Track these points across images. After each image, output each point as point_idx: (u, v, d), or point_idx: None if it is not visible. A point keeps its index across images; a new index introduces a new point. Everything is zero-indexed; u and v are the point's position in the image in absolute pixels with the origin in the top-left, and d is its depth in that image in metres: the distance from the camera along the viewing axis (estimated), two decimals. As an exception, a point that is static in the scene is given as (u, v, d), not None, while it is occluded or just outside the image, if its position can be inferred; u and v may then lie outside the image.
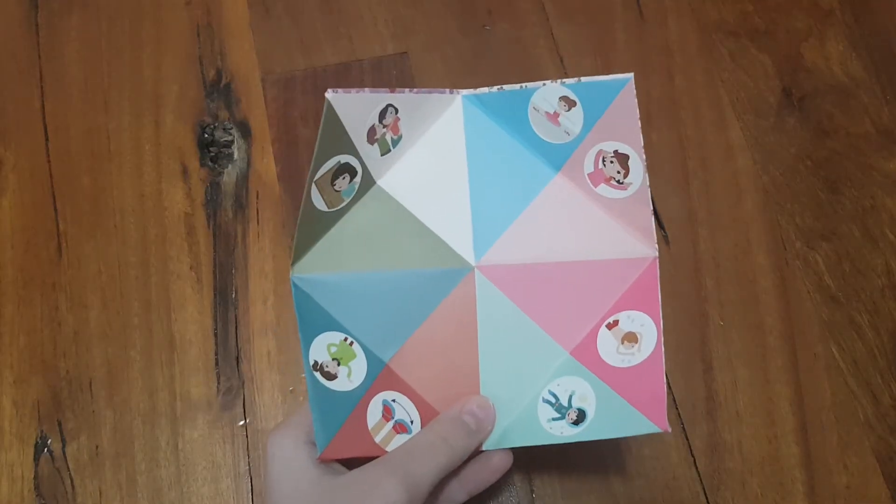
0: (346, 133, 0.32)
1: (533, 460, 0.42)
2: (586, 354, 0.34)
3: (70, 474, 0.42)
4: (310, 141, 0.50)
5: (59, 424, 0.43)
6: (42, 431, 0.43)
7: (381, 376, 0.34)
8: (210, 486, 0.42)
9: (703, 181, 0.49)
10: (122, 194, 0.48)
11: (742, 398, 0.44)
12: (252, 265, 0.46)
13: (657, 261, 0.34)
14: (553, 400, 0.34)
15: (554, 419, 0.34)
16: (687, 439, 0.43)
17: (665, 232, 0.48)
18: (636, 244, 0.34)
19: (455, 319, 0.35)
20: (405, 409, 0.34)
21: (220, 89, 0.51)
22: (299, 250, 0.33)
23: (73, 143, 0.49)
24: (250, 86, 0.51)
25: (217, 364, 0.45)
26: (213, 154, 0.49)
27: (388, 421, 0.33)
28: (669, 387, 0.44)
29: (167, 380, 0.44)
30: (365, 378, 0.33)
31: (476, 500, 0.41)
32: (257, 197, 0.48)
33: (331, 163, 0.32)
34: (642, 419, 0.34)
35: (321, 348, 0.33)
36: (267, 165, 0.49)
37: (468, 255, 0.35)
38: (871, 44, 0.53)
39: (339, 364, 0.33)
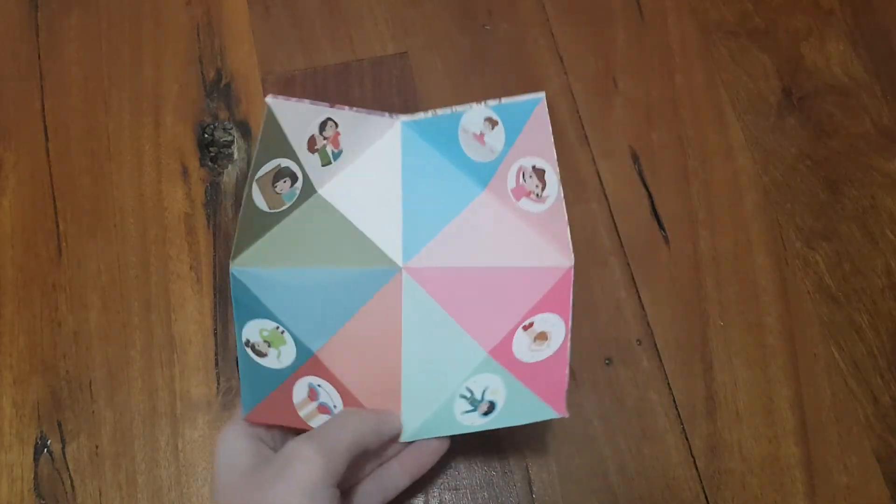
0: (286, 139, 0.35)
1: (533, 460, 0.42)
2: (502, 353, 0.36)
3: (70, 475, 0.42)
4: (310, 141, 0.50)
5: (59, 425, 0.43)
6: (42, 432, 0.43)
7: (308, 363, 0.36)
8: (210, 487, 0.42)
9: (703, 181, 0.49)
10: (122, 194, 0.48)
11: (742, 398, 0.44)
12: (252, 265, 0.47)
13: (572, 270, 0.36)
14: (468, 395, 0.36)
15: (467, 412, 0.36)
16: (687, 439, 0.43)
17: (665, 232, 0.48)
18: (553, 254, 0.37)
19: (382, 316, 0.37)
20: (328, 395, 0.36)
21: (220, 89, 0.51)
22: (240, 245, 0.35)
23: (73, 143, 0.49)
24: (250, 86, 0.51)
25: (217, 364, 0.44)
26: (213, 154, 0.49)
27: (312, 401, 0.35)
28: (669, 387, 0.44)
29: (167, 380, 0.44)
30: (293, 362, 0.35)
31: (475, 501, 0.41)
32: (257, 197, 0.48)
33: (271, 164, 0.35)
34: (543, 406, 0.35)
35: (254, 331, 0.35)
36: (267, 165, 0.49)
37: (397, 258, 0.38)
38: (871, 44, 0.53)
39: (269, 346, 0.35)
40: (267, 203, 0.35)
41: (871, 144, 0.50)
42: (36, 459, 0.42)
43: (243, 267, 0.35)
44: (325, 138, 0.36)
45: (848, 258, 0.48)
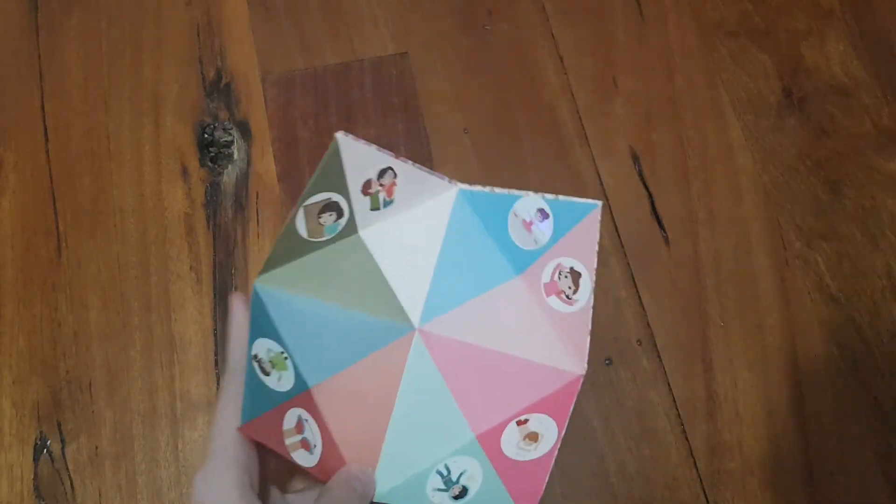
0: (344, 176, 0.35)
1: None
2: (489, 441, 0.36)
3: (70, 475, 0.42)
4: (309, 141, 0.50)
5: (59, 425, 0.43)
6: (42, 432, 0.43)
7: (302, 395, 0.36)
8: None
9: (704, 181, 0.49)
10: (122, 194, 0.48)
11: (742, 398, 0.44)
12: (252, 265, 0.46)
13: (581, 379, 0.36)
14: (445, 473, 0.36)
15: (438, 489, 0.36)
16: (687, 439, 0.43)
17: (665, 232, 0.48)
18: (567, 359, 0.37)
19: (383, 370, 0.37)
20: (312, 432, 0.36)
21: (219, 89, 0.51)
22: (271, 263, 0.35)
23: (73, 143, 0.49)
24: (250, 86, 0.51)
25: (217, 364, 0.44)
26: (212, 154, 0.49)
27: (298, 433, 0.35)
28: (669, 387, 0.44)
29: (167, 380, 0.44)
30: (290, 389, 0.35)
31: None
32: (257, 197, 0.48)
33: (322, 196, 0.35)
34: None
35: (262, 348, 0.35)
36: (267, 166, 0.49)
37: (414, 317, 0.37)
38: (871, 44, 0.53)
39: (272, 367, 0.35)
40: (308, 231, 0.35)
41: (872, 144, 0.50)
42: (36, 460, 0.42)
43: (266, 285, 0.35)
44: (381, 185, 0.36)
45: (848, 258, 0.48)
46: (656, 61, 0.52)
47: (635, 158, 0.50)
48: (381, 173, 0.36)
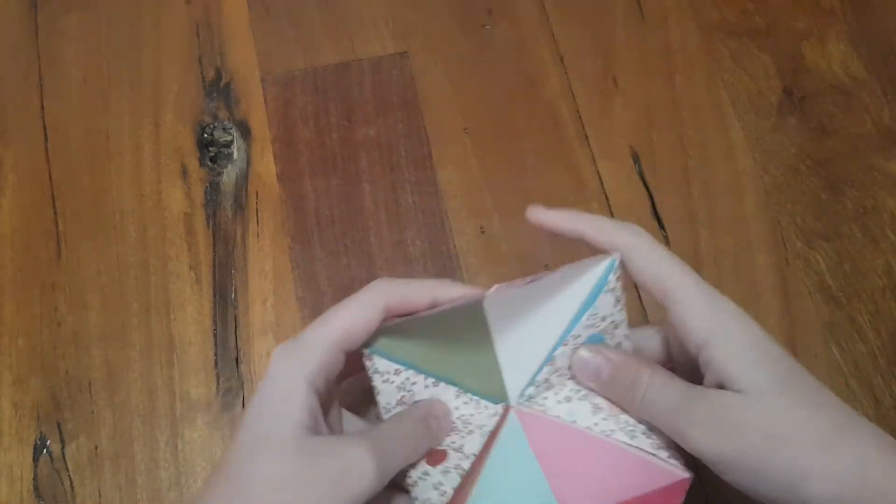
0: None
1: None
2: None
3: (69, 475, 0.42)
4: (309, 141, 0.49)
5: (59, 425, 0.43)
6: (41, 432, 0.43)
7: None
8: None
9: (704, 181, 0.49)
10: (121, 194, 0.48)
11: (743, 399, 0.44)
12: (252, 265, 0.46)
13: (687, 482, 0.34)
14: None
15: None
16: (687, 440, 0.43)
17: (665, 232, 0.48)
18: (673, 458, 0.34)
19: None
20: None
21: (219, 89, 0.51)
22: (396, 333, 0.33)
23: (72, 143, 0.49)
24: (250, 86, 0.51)
25: (216, 365, 0.44)
26: (212, 154, 0.49)
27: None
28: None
29: (166, 380, 0.44)
30: None
31: None
32: (257, 197, 0.48)
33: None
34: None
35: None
36: (266, 165, 0.49)
37: (513, 394, 0.35)
38: (872, 43, 0.53)
39: None
40: None
41: (872, 144, 0.50)
42: (35, 460, 0.42)
43: (375, 349, 0.34)
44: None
45: (849, 258, 0.47)
46: (657, 61, 0.52)
47: (635, 158, 0.50)
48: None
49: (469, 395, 0.35)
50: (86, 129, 0.49)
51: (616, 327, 0.35)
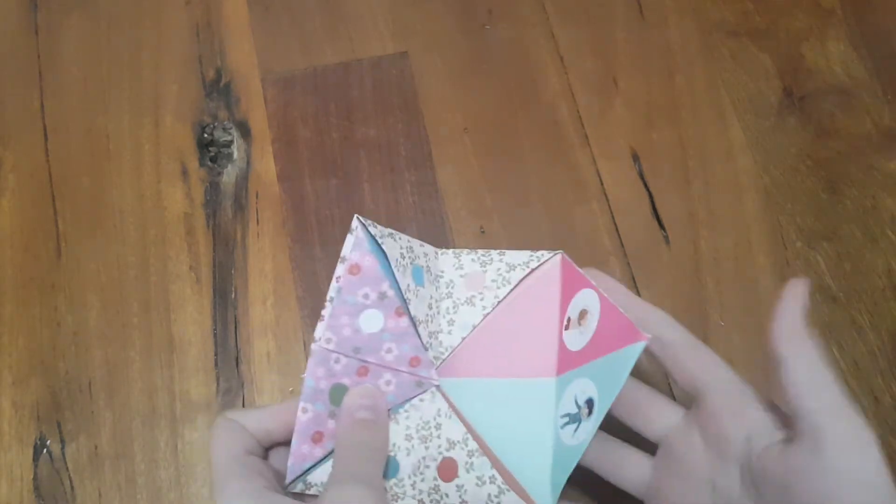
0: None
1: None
2: (566, 362, 0.34)
3: (69, 475, 0.42)
4: (309, 141, 0.49)
5: (59, 425, 0.43)
6: (41, 432, 0.43)
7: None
8: (210, 488, 0.42)
9: (704, 181, 0.49)
10: (121, 194, 0.48)
11: (743, 399, 0.44)
12: (252, 265, 0.46)
13: (562, 256, 0.35)
14: (566, 419, 0.34)
15: (575, 430, 0.34)
16: (687, 440, 0.43)
17: (665, 232, 0.48)
18: (542, 257, 0.36)
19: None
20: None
21: (219, 89, 0.51)
22: None
23: (72, 144, 0.49)
24: (250, 86, 0.51)
25: (216, 365, 0.44)
26: (212, 154, 0.49)
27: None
28: (670, 387, 0.44)
29: (166, 380, 0.44)
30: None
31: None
32: (257, 197, 0.48)
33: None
34: (628, 351, 0.35)
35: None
36: (266, 165, 0.49)
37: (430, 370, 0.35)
38: (872, 43, 0.53)
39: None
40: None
41: (872, 144, 0.50)
42: (35, 460, 0.42)
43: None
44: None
45: (849, 258, 0.47)
46: (657, 61, 0.52)
47: (635, 158, 0.49)
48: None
49: (402, 407, 0.35)
50: (86, 129, 0.49)
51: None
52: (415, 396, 0.35)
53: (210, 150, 0.49)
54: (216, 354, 0.45)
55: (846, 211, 0.48)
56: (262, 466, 0.33)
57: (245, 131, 0.50)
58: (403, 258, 0.34)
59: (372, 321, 0.33)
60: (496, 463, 0.34)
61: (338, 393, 0.33)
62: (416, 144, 0.50)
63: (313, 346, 0.33)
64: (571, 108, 0.51)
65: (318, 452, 0.33)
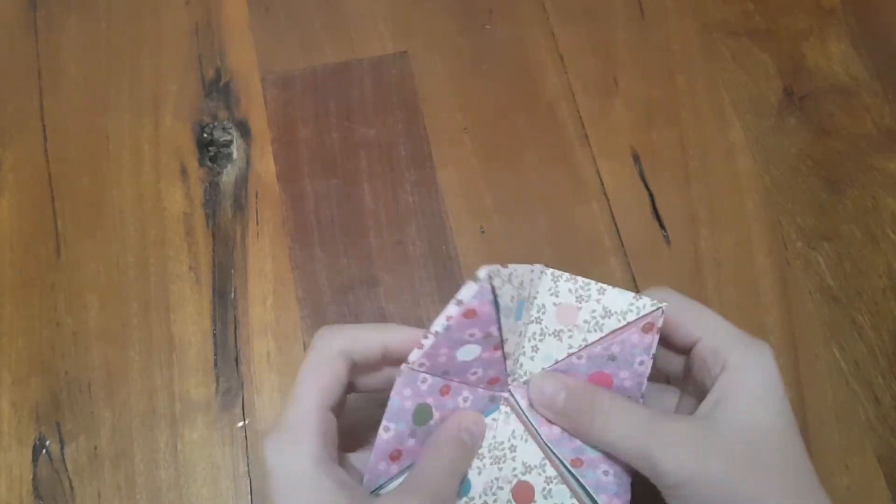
0: None
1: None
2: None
3: (69, 475, 0.42)
4: (309, 141, 0.49)
5: (58, 426, 0.43)
6: (40, 433, 0.43)
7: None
8: (209, 488, 0.42)
9: (704, 181, 0.49)
10: (121, 194, 0.48)
11: (743, 399, 0.44)
12: (251, 266, 0.46)
13: (663, 310, 0.35)
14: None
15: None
16: (688, 440, 0.43)
17: (665, 232, 0.48)
18: (642, 308, 0.35)
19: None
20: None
21: (219, 89, 0.50)
22: None
23: (72, 143, 0.49)
24: (250, 85, 0.51)
25: (216, 365, 0.44)
26: (212, 154, 0.49)
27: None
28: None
29: (166, 381, 0.44)
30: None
31: None
32: (256, 197, 0.48)
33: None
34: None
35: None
36: (266, 165, 0.49)
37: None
38: (872, 43, 0.53)
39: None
40: None
41: (873, 144, 0.50)
42: (35, 460, 0.42)
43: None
44: None
45: (849, 258, 0.47)
46: (657, 61, 0.52)
47: (636, 158, 0.49)
48: None
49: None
50: (86, 129, 0.49)
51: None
52: (487, 412, 0.35)
53: (210, 149, 0.49)
54: (216, 354, 0.45)
55: (846, 211, 0.48)
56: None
57: (245, 131, 0.50)
58: (513, 300, 0.33)
59: (469, 352, 0.33)
60: (576, 494, 0.33)
61: (421, 412, 0.33)
62: (416, 144, 0.49)
63: (403, 367, 0.32)
64: (571, 107, 0.51)
65: (395, 469, 0.33)
